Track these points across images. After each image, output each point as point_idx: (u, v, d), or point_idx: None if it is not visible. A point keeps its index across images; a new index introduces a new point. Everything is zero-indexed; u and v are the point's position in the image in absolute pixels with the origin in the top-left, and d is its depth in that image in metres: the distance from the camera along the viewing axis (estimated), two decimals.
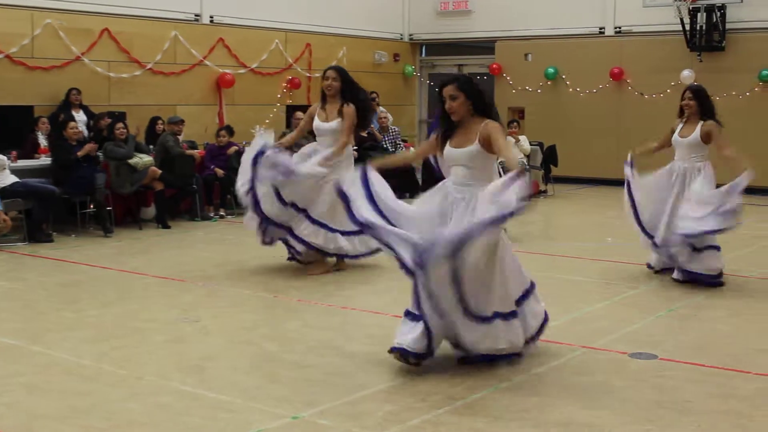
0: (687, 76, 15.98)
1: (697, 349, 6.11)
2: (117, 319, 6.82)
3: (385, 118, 15.11)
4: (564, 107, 17.52)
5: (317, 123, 8.43)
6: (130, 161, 11.36)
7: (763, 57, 15.63)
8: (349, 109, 8.33)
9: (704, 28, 15.67)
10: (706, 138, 8.06)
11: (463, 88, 5.58)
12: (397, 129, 15.39)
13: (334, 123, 8.32)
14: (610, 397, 5.11)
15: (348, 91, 8.40)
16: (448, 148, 5.63)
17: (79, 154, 10.81)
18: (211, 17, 15.14)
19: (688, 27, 15.80)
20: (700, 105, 8.11)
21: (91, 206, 11.11)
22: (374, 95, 16.43)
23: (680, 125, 8.24)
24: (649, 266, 8.66)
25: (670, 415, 4.85)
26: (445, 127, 5.66)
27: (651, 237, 8.30)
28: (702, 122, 8.06)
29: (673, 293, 7.81)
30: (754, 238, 10.98)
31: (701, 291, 7.87)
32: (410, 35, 19.34)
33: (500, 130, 5.53)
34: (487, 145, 5.48)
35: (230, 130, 12.96)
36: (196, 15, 14.97)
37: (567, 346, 6.11)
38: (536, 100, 17.47)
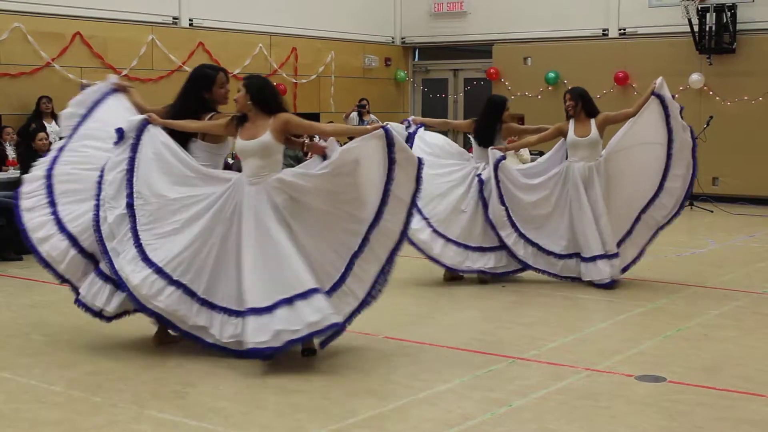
0: (696, 80, 16.08)
1: (708, 371, 6.13)
2: (90, 343, 6.80)
3: None
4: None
5: None
6: None
7: None
8: None
9: (714, 29, 15.76)
10: (603, 129, 8.86)
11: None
12: None
13: None
14: (615, 423, 5.13)
15: None
16: None
17: None
18: (191, 20, 15.19)
19: (696, 28, 15.88)
20: (583, 105, 8.92)
21: None
22: (364, 102, 16.50)
23: (571, 127, 8.90)
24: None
25: None
26: None
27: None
28: (593, 119, 8.89)
29: (682, 312, 7.84)
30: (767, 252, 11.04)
31: (711, 309, 7.90)
32: (402, 38, 19.41)
33: None
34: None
35: None
36: (174, 18, 15.01)
37: (569, 368, 6.13)
38: (536, 106, 17.49)
